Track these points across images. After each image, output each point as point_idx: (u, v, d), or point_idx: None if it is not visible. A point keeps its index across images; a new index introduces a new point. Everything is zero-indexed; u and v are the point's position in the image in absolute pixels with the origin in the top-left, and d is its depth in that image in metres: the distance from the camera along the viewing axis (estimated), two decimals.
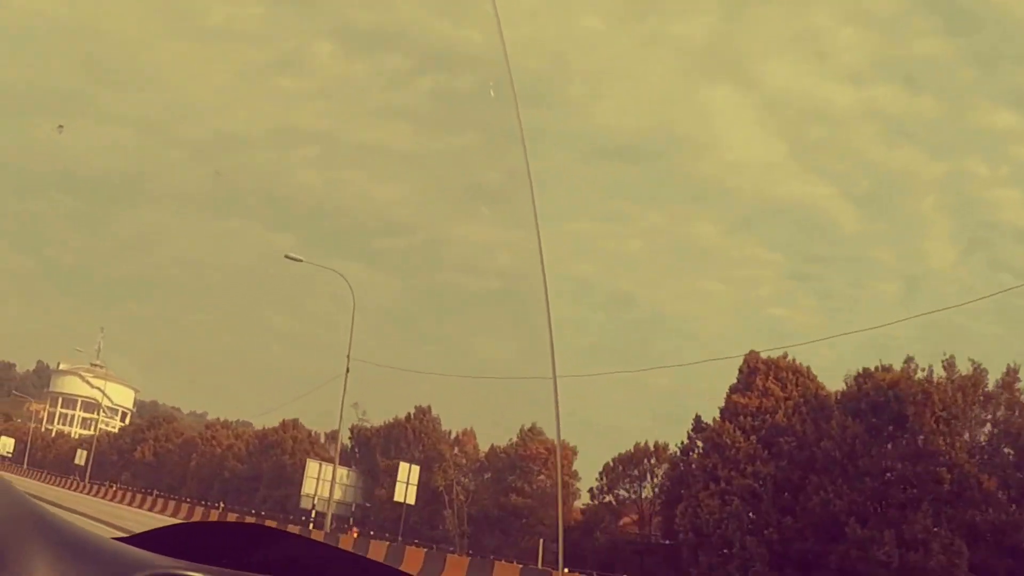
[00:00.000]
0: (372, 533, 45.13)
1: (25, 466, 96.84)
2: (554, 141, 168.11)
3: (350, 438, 63.26)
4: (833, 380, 43.53)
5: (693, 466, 44.96)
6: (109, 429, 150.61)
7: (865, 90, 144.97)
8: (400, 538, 45.36)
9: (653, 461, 49.63)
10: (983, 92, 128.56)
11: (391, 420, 61.63)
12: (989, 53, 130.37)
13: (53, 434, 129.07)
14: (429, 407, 60.97)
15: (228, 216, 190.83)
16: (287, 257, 42.24)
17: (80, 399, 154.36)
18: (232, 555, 1.38)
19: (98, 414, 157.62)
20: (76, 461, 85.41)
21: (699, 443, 45.31)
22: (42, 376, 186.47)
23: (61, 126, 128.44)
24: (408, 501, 44.03)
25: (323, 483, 49.45)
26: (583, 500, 52.58)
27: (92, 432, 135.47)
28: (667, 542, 45.52)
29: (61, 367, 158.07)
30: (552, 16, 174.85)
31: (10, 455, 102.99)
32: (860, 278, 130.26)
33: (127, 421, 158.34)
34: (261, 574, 1.36)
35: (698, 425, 47.08)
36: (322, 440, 71.43)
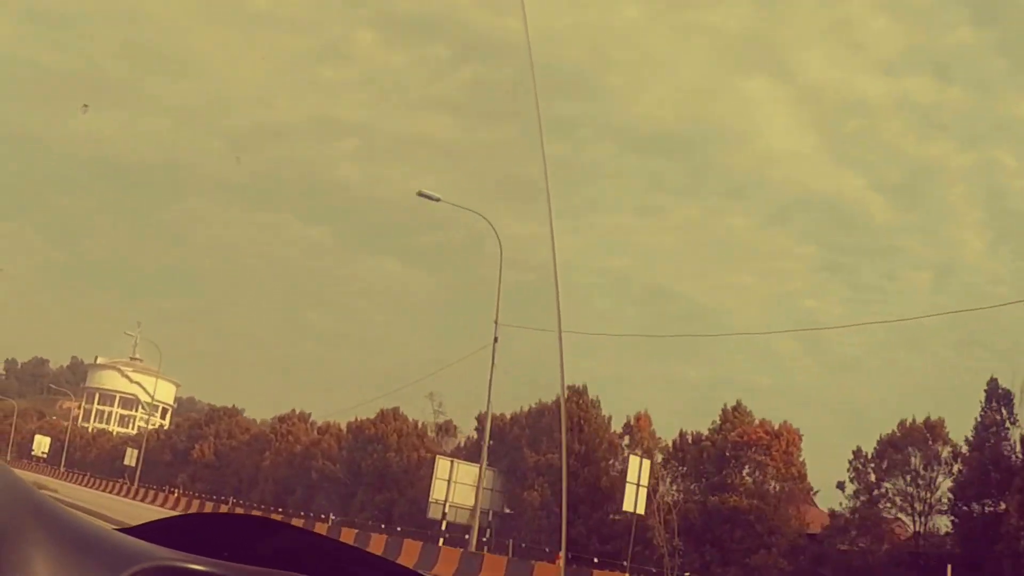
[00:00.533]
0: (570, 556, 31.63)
1: (63, 467, 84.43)
2: (593, 132, 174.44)
3: (476, 429, 50.00)
4: None
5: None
6: (149, 427, 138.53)
7: (897, 81, 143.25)
8: (626, 563, 32.12)
9: (941, 445, 35.86)
10: (1013, 83, 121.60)
11: (534, 405, 48.22)
12: (1019, 43, 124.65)
13: (91, 431, 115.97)
14: (584, 386, 47.51)
15: (265, 209, 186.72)
16: (421, 194, 33.40)
17: (119, 395, 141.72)
18: (233, 547, 1.36)
19: (138, 411, 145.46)
20: (126, 461, 72.43)
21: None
22: (76, 372, 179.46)
23: (86, 106, 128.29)
24: (638, 511, 31.73)
25: (457, 486, 37.52)
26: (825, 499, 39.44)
27: (130, 430, 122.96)
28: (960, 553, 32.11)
29: (99, 361, 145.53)
30: (593, 5, 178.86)
31: (45, 455, 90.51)
32: (892, 268, 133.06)
33: (168, 419, 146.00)
34: (262, 566, 1.34)
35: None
36: (430, 434, 58.33)
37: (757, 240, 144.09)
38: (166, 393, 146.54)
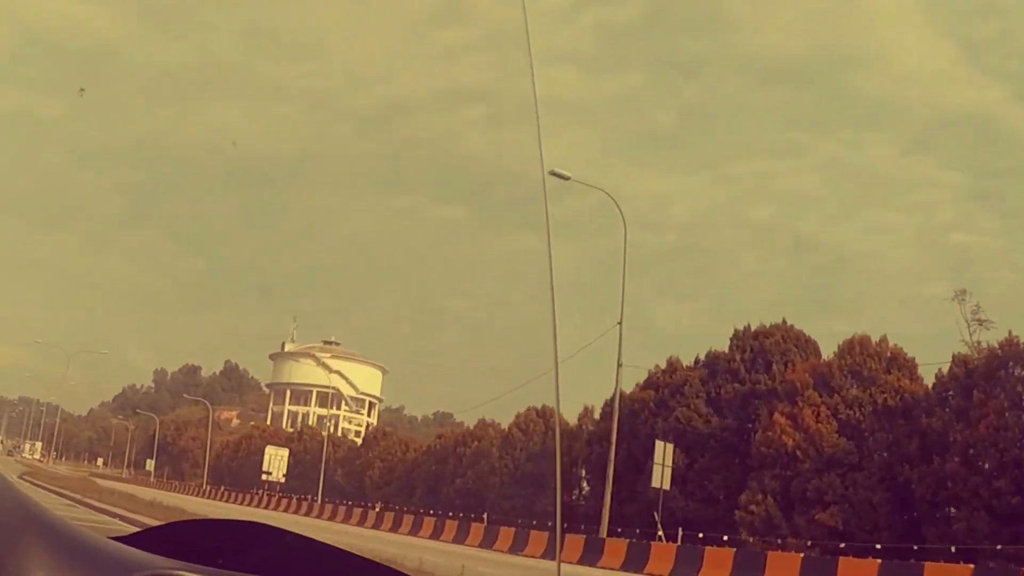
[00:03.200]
0: None
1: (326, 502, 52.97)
2: (720, 70, 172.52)
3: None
4: None
5: None
6: (354, 427, 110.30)
7: None
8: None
9: None
10: None
11: None
12: None
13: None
14: None
15: (399, 193, 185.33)
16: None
17: (315, 390, 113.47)
18: (226, 554, 1.37)
19: (341, 407, 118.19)
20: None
21: None
22: (231, 377, 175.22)
23: (82, 89, 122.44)
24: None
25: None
26: None
27: (321, 430, 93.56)
28: None
29: (287, 349, 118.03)
30: None
31: (281, 482, 59.56)
32: None
33: (374, 416, 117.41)
34: (255, 573, 1.35)
35: None
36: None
37: (899, 171, 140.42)
38: (371, 382, 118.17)
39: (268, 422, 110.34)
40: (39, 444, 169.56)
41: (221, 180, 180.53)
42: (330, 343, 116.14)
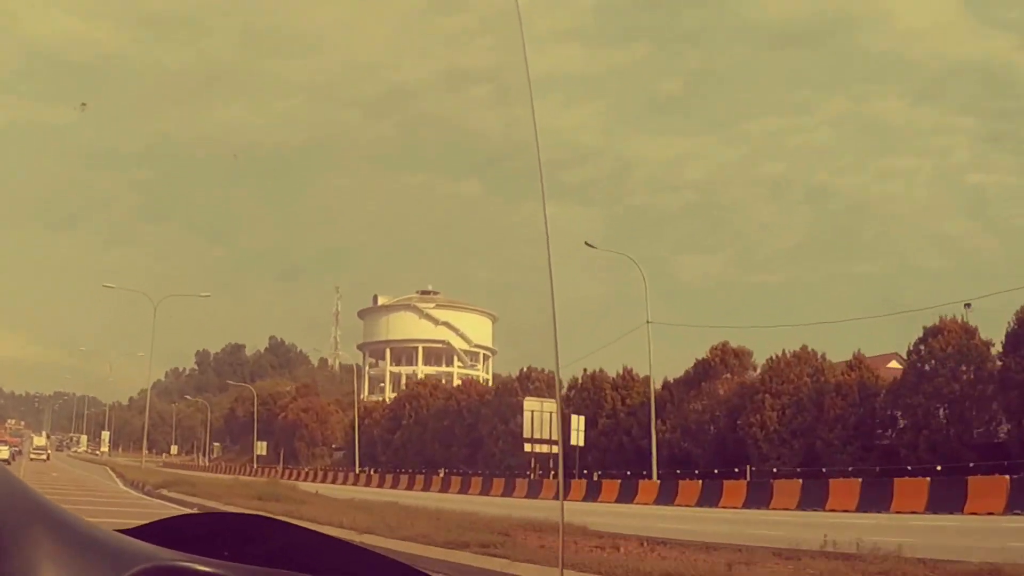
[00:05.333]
0: None
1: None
2: (729, 35, 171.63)
3: None
4: None
5: None
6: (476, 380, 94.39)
7: None
8: None
9: None
10: None
11: None
12: None
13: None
14: None
15: (413, 171, 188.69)
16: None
17: (420, 345, 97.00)
18: (233, 546, 1.38)
19: (454, 364, 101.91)
20: None
21: None
22: (277, 353, 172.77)
23: (84, 104, 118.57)
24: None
25: None
26: None
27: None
28: None
29: (380, 302, 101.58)
30: None
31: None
32: None
33: (490, 370, 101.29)
34: (262, 565, 1.36)
35: None
36: None
37: (911, 120, 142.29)
38: (482, 332, 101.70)
39: (365, 389, 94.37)
40: (84, 437, 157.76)
41: (235, 172, 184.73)
42: (428, 292, 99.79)
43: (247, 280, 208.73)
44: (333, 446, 74.31)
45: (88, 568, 1.10)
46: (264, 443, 70.92)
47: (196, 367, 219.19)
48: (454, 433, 58.21)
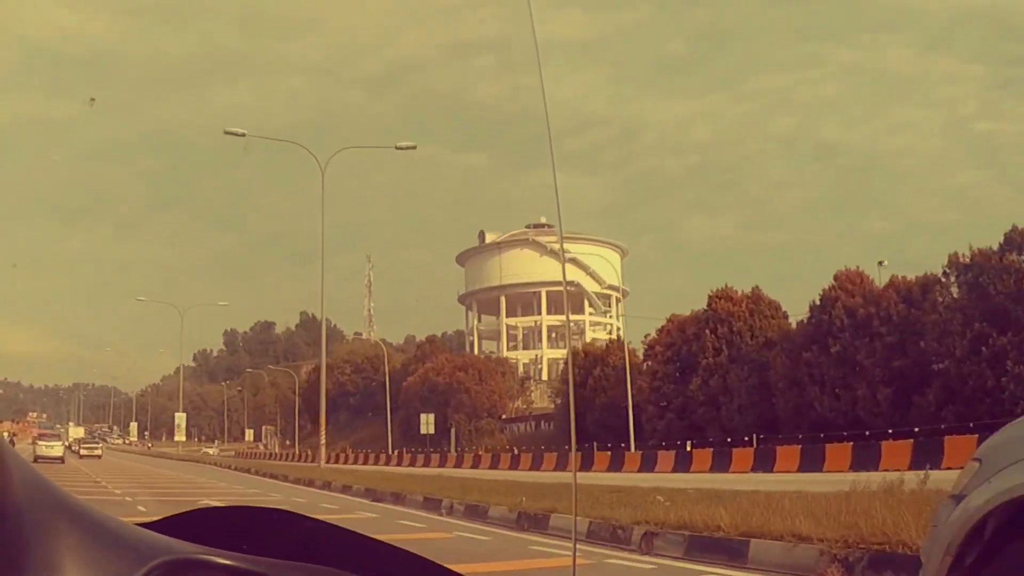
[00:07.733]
0: None
1: None
2: None
3: None
4: None
5: None
6: (604, 336, 77.20)
7: None
8: None
9: None
10: None
11: None
12: None
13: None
14: None
15: (419, 143, 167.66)
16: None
17: (544, 289, 79.22)
18: (252, 539, 1.36)
19: (586, 311, 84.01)
20: None
21: None
22: (310, 329, 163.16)
23: (93, 99, 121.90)
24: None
25: None
26: None
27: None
28: None
29: (488, 239, 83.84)
30: None
31: None
32: None
33: (619, 317, 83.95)
34: (281, 558, 1.33)
35: None
36: None
37: (920, 70, 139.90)
38: (611, 270, 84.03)
39: (475, 345, 76.87)
40: (122, 427, 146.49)
41: (238, 157, 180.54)
42: (541, 226, 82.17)
43: (264, 263, 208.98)
44: (530, 412, 57.08)
45: (110, 561, 1.10)
46: (430, 416, 51.78)
47: (224, 348, 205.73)
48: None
